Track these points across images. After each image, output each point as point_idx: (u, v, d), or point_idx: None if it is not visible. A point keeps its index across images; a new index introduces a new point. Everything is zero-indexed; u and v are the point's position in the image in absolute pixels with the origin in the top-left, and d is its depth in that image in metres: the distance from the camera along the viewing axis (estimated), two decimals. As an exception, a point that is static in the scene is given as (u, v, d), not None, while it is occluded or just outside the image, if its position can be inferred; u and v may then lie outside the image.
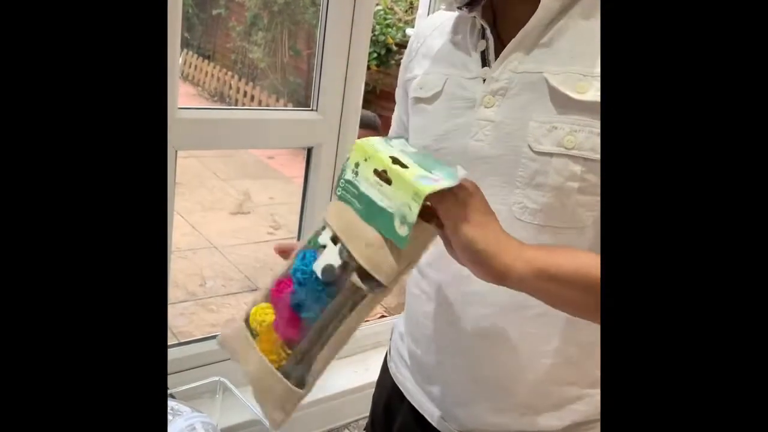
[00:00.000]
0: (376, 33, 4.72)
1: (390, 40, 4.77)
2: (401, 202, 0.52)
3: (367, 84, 1.52)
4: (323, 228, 0.58)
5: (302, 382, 0.56)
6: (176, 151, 1.25)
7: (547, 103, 0.63)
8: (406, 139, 0.61)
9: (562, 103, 0.62)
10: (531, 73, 0.65)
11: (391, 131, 0.88)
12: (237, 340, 0.60)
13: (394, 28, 4.83)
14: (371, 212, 0.54)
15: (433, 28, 0.78)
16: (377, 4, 4.72)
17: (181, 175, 1.35)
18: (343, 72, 1.41)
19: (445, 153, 0.70)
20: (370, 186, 0.55)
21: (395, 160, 0.54)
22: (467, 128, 0.68)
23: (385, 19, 4.84)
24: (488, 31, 0.68)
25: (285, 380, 0.56)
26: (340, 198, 0.58)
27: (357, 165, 0.56)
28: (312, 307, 0.55)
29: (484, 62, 0.69)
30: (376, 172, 0.54)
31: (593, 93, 0.61)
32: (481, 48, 0.69)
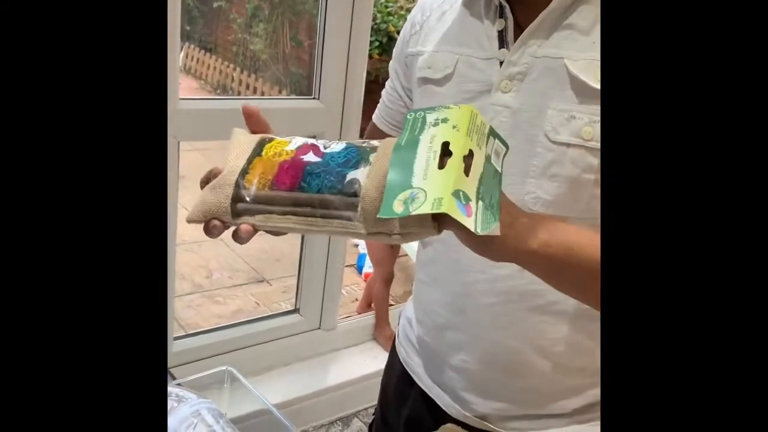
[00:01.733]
0: (378, 21, 4.69)
1: (392, 28, 4.73)
2: (424, 188, 0.45)
3: (369, 73, 1.50)
4: (376, 147, 0.53)
5: (237, 213, 0.54)
6: (179, 143, 1.25)
7: (567, 90, 0.61)
8: (507, 149, 0.54)
9: (582, 91, 0.60)
10: (551, 59, 0.62)
11: (380, 105, 0.84)
12: (242, 145, 0.57)
13: (396, 16, 4.80)
14: (401, 160, 0.48)
15: (442, 1, 0.73)
16: (378, -7, 4.69)
17: (185, 169, 1.35)
18: (344, 60, 1.40)
19: None
20: (427, 144, 0.48)
21: (470, 155, 0.48)
22: (483, 113, 0.64)
23: (387, 7, 4.81)
24: (507, 10, 0.65)
25: (229, 198, 0.53)
26: (405, 119, 0.52)
27: (445, 120, 0.49)
28: (314, 184, 0.52)
29: (501, 43, 0.66)
30: (443, 144, 0.48)
31: None
32: (499, 27, 0.66)
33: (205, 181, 0.55)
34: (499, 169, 0.51)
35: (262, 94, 5.58)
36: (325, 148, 0.54)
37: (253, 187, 0.53)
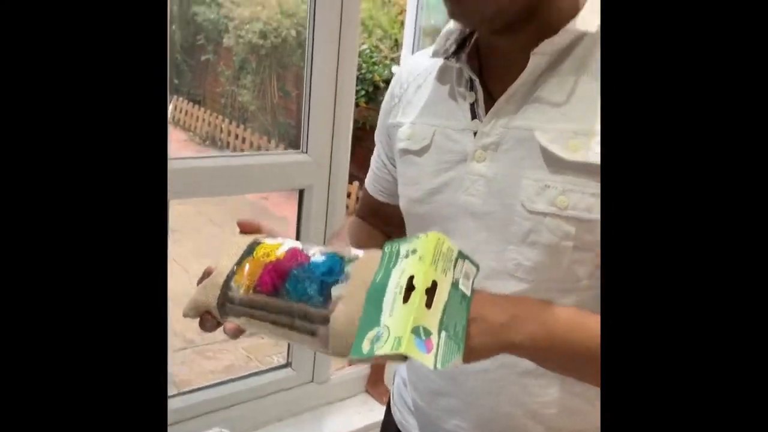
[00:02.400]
0: (363, 71, 4.79)
1: (377, 78, 4.83)
2: (388, 326, 0.48)
3: (357, 121, 1.53)
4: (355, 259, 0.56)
5: (225, 312, 0.57)
6: (168, 201, 1.26)
7: (539, 161, 0.61)
8: (477, 270, 0.56)
9: (553, 162, 0.61)
10: (522, 130, 0.63)
11: (370, 173, 0.86)
12: (235, 246, 0.60)
13: (381, 65, 4.90)
14: (375, 296, 0.51)
15: (417, 74, 0.76)
16: (362, 43, 4.80)
17: (176, 222, 1.35)
18: (330, 114, 1.43)
19: (437, 206, 0.69)
20: (396, 280, 0.51)
21: (433, 285, 0.50)
22: (459, 182, 0.66)
23: (371, 57, 4.91)
24: (477, 83, 0.67)
25: (215, 299, 0.57)
26: (383, 252, 0.55)
27: (414, 251, 0.52)
28: (295, 291, 0.54)
29: (474, 114, 0.67)
30: (410, 278, 0.50)
31: (585, 153, 0.59)
32: (470, 100, 0.67)
33: (200, 280, 0.59)
34: (467, 293, 0.53)
35: (251, 144, 5.63)
36: (311, 254, 0.56)
37: (239, 288, 0.56)
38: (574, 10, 0.62)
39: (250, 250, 0.59)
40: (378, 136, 0.83)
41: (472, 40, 0.70)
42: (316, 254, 0.56)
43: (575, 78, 0.62)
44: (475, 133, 0.66)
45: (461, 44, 0.70)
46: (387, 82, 4.99)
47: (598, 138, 0.58)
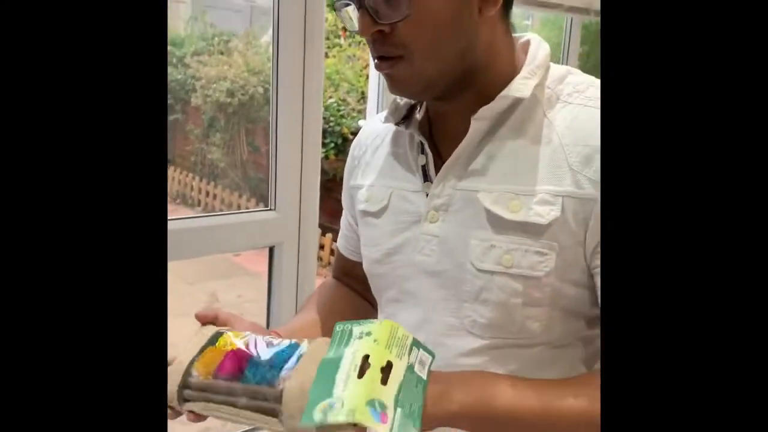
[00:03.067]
0: (332, 124, 4.85)
1: (345, 130, 4.89)
2: (342, 398, 0.50)
3: (326, 172, 1.55)
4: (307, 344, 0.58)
5: (184, 398, 0.58)
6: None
7: (484, 221, 0.64)
8: (433, 358, 0.59)
9: (497, 222, 0.63)
10: (468, 191, 0.66)
11: (341, 233, 0.88)
12: (198, 335, 0.63)
13: (348, 117, 4.97)
14: (326, 371, 0.53)
15: (374, 136, 0.79)
16: (330, 97, 4.87)
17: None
18: (297, 169, 1.43)
19: (395, 266, 0.71)
20: (350, 357, 0.53)
21: (388, 365, 0.53)
22: (415, 242, 0.69)
23: (339, 110, 4.98)
24: (426, 146, 0.69)
25: (176, 385, 0.58)
26: (334, 331, 0.57)
27: (369, 333, 0.54)
28: (254, 375, 0.56)
29: (425, 176, 0.70)
30: (364, 357, 0.53)
31: (525, 213, 0.62)
32: (422, 163, 0.70)
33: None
34: (424, 378, 0.55)
35: (222, 200, 5.61)
36: (274, 344, 0.59)
37: (198, 375, 0.58)
38: (510, 76, 0.65)
39: (213, 340, 0.61)
40: (343, 198, 0.85)
41: (423, 104, 0.73)
42: (280, 343, 0.59)
43: (514, 141, 0.65)
44: (427, 194, 0.69)
45: (412, 108, 0.74)
46: (354, 133, 5.05)
47: (537, 198, 0.62)
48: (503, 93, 0.64)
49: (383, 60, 0.64)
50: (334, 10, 0.67)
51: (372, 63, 0.68)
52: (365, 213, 0.75)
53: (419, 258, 0.68)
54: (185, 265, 4.97)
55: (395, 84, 0.65)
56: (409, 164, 0.72)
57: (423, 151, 0.70)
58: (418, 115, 0.73)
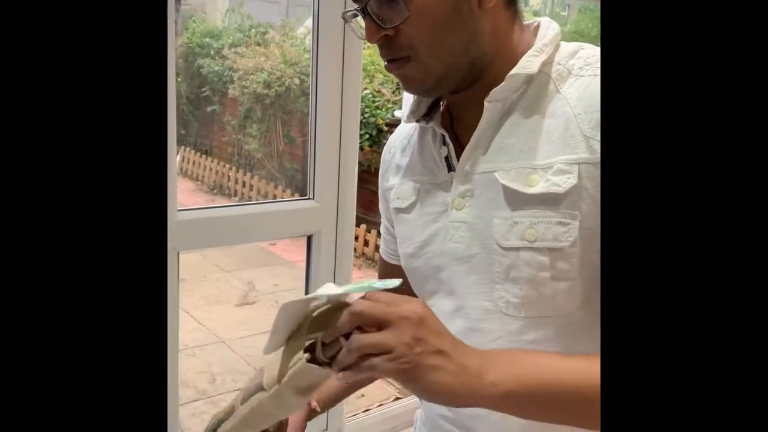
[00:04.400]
0: (367, 115, 4.85)
1: (380, 121, 4.89)
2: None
3: (362, 164, 1.56)
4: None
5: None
6: (178, 253, 1.27)
7: (504, 200, 0.65)
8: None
9: (516, 198, 0.64)
10: (487, 173, 0.67)
11: (381, 241, 0.90)
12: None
13: (383, 108, 4.97)
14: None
15: (402, 138, 0.82)
16: (365, 88, 4.87)
17: (185, 271, 1.35)
18: (336, 159, 1.44)
19: (428, 258, 0.73)
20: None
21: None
22: (445, 232, 0.71)
23: (374, 101, 4.99)
24: (447, 138, 0.71)
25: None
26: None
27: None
28: None
29: (450, 167, 0.72)
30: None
31: (543, 185, 0.63)
32: (444, 154, 0.72)
33: None
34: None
35: (258, 191, 5.68)
36: None
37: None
38: (517, 61, 0.67)
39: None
40: (380, 203, 0.88)
41: (441, 103, 0.76)
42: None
43: (528, 119, 0.66)
44: (452, 183, 0.71)
45: (434, 104, 0.76)
46: (389, 125, 5.07)
47: (554, 168, 0.63)
48: (511, 72, 0.65)
49: (392, 62, 0.66)
50: (345, 22, 0.69)
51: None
52: (397, 210, 0.78)
53: (451, 246, 0.70)
54: (222, 254, 5.06)
55: (408, 83, 0.68)
56: (434, 157, 0.74)
57: (445, 143, 0.72)
58: (442, 110, 0.75)
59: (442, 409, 0.75)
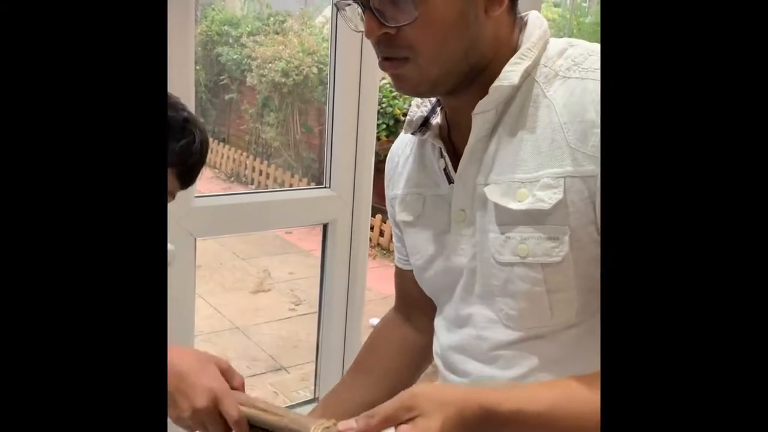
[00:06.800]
0: (384, 105, 4.84)
1: (397, 111, 4.88)
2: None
3: (378, 154, 1.56)
4: None
5: None
6: (195, 239, 1.28)
7: (496, 215, 0.65)
8: None
9: (506, 214, 0.64)
10: (480, 186, 0.67)
11: (395, 248, 0.90)
12: None
13: (401, 99, 4.95)
14: None
15: (404, 146, 0.80)
16: (382, 78, 4.85)
17: (201, 258, 1.37)
18: (353, 148, 1.45)
19: (438, 270, 0.73)
20: None
21: None
22: (450, 245, 0.71)
23: (392, 91, 4.97)
24: (443, 151, 0.71)
25: None
26: None
27: None
28: None
29: (449, 179, 0.71)
30: None
31: (530, 200, 0.62)
32: (442, 166, 0.72)
33: None
34: None
35: (275, 179, 5.70)
36: None
37: None
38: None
39: None
40: (388, 210, 0.87)
41: (440, 110, 0.74)
42: None
43: (517, 128, 0.65)
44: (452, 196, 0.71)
45: (431, 112, 0.75)
46: (407, 114, 5.05)
47: (540, 183, 0.62)
48: (494, 84, 0.64)
49: (388, 60, 0.64)
50: (336, 9, 0.67)
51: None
52: (405, 223, 0.78)
53: (456, 259, 0.70)
54: (239, 241, 5.09)
55: (401, 84, 0.66)
56: (435, 169, 0.73)
57: (442, 155, 0.71)
58: (436, 121, 0.74)
59: None
